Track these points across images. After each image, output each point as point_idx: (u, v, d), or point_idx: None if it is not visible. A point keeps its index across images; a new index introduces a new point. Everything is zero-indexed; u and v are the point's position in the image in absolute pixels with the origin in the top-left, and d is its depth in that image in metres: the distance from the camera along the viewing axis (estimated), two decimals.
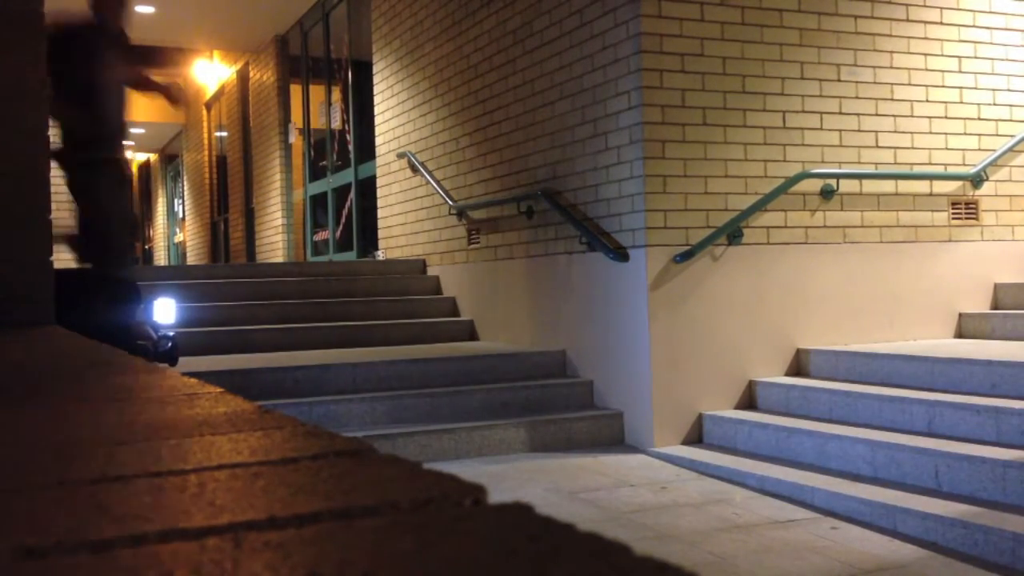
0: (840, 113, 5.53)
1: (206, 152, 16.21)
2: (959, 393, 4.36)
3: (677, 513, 3.94)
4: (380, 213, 8.95)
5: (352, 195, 10.22)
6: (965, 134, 5.85)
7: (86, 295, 4.41)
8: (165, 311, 5.03)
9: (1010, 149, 5.88)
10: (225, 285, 7.34)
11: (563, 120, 5.84)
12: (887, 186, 5.63)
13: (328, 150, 11.10)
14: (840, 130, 5.53)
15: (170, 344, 4.71)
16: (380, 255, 8.84)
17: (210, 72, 14.87)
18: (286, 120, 12.17)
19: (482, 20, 6.89)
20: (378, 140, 8.96)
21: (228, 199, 14.93)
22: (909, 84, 5.71)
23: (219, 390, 1.13)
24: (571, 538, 0.46)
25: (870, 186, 5.58)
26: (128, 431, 0.84)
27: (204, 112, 16.14)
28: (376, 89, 9.02)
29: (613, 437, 5.28)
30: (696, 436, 5.12)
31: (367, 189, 9.61)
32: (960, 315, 5.75)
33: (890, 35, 5.67)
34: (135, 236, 5.18)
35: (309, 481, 0.61)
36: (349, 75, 10.46)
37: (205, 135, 16.25)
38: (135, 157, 22.54)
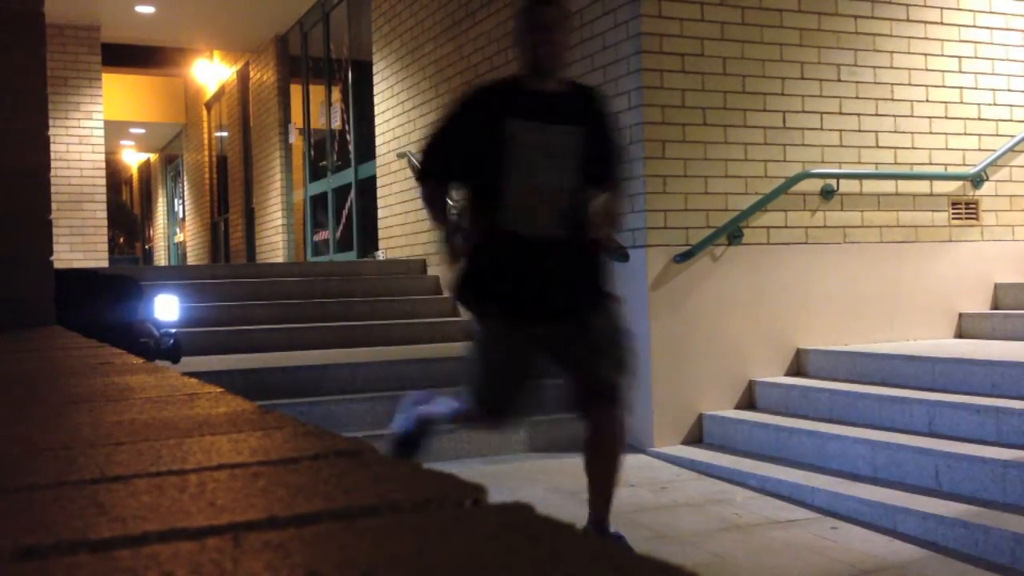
0: (840, 113, 5.53)
1: (206, 152, 16.21)
2: (959, 393, 4.35)
3: (677, 513, 3.94)
4: (380, 213, 8.94)
5: (352, 195, 10.22)
6: (965, 134, 5.85)
7: (88, 294, 4.40)
8: (167, 308, 5.01)
9: (1010, 149, 5.88)
10: (225, 285, 7.34)
11: None
12: (887, 186, 5.63)
13: (328, 150, 11.10)
14: (840, 130, 5.53)
15: (172, 341, 4.68)
16: (380, 255, 8.84)
17: (210, 72, 14.87)
18: (286, 120, 12.17)
19: (482, 20, 6.89)
20: (378, 140, 8.96)
21: (228, 199, 14.93)
22: (909, 84, 5.71)
23: (219, 390, 1.13)
24: (571, 538, 0.46)
25: (870, 186, 5.58)
26: (128, 431, 0.84)
27: (204, 112, 16.14)
28: (376, 89, 9.02)
29: None
30: (696, 436, 5.12)
31: (367, 189, 9.61)
32: (960, 315, 5.74)
33: (890, 35, 5.67)
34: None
35: (309, 481, 0.61)
36: (349, 75, 10.46)
37: (205, 135, 16.26)
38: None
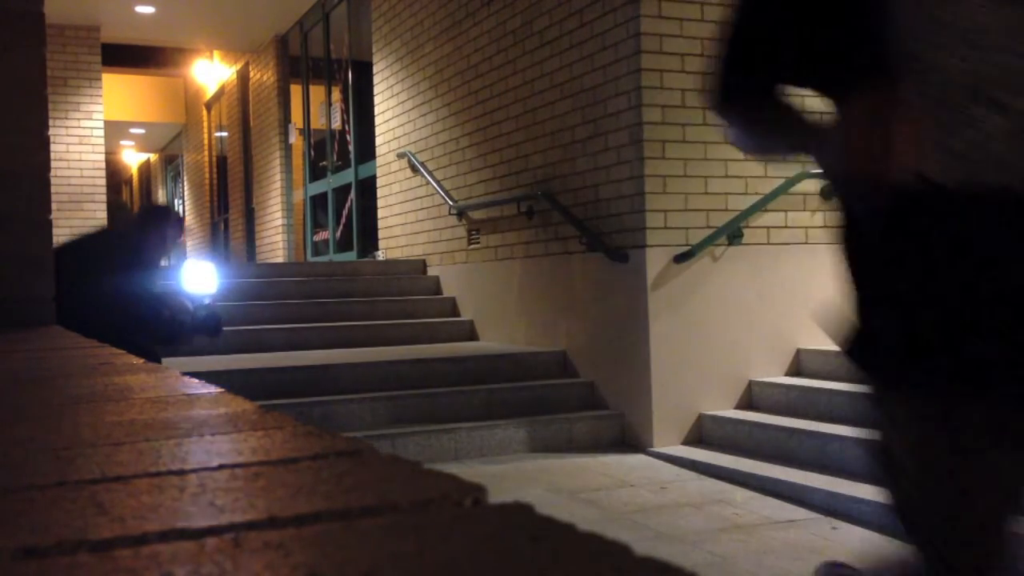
0: None
1: (206, 152, 16.22)
2: None
3: (677, 513, 3.94)
4: (380, 213, 8.95)
5: (352, 195, 10.22)
6: None
7: (101, 260, 3.95)
8: (203, 278, 4.22)
9: None
10: (225, 284, 7.33)
11: (563, 120, 5.84)
12: None
13: (328, 150, 11.10)
14: None
15: (206, 313, 4.12)
16: (380, 255, 8.84)
17: (210, 72, 14.87)
18: (286, 120, 12.17)
19: (482, 20, 6.89)
20: (378, 140, 8.96)
21: (228, 199, 14.93)
22: None
23: (219, 390, 1.13)
24: (571, 538, 0.46)
25: None
26: (128, 431, 0.84)
27: (204, 112, 16.14)
28: (376, 89, 9.02)
29: (613, 437, 5.28)
30: (696, 436, 5.12)
31: (367, 189, 9.61)
32: None
33: None
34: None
35: (309, 481, 0.61)
36: (349, 75, 10.46)
37: (205, 135, 16.26)
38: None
